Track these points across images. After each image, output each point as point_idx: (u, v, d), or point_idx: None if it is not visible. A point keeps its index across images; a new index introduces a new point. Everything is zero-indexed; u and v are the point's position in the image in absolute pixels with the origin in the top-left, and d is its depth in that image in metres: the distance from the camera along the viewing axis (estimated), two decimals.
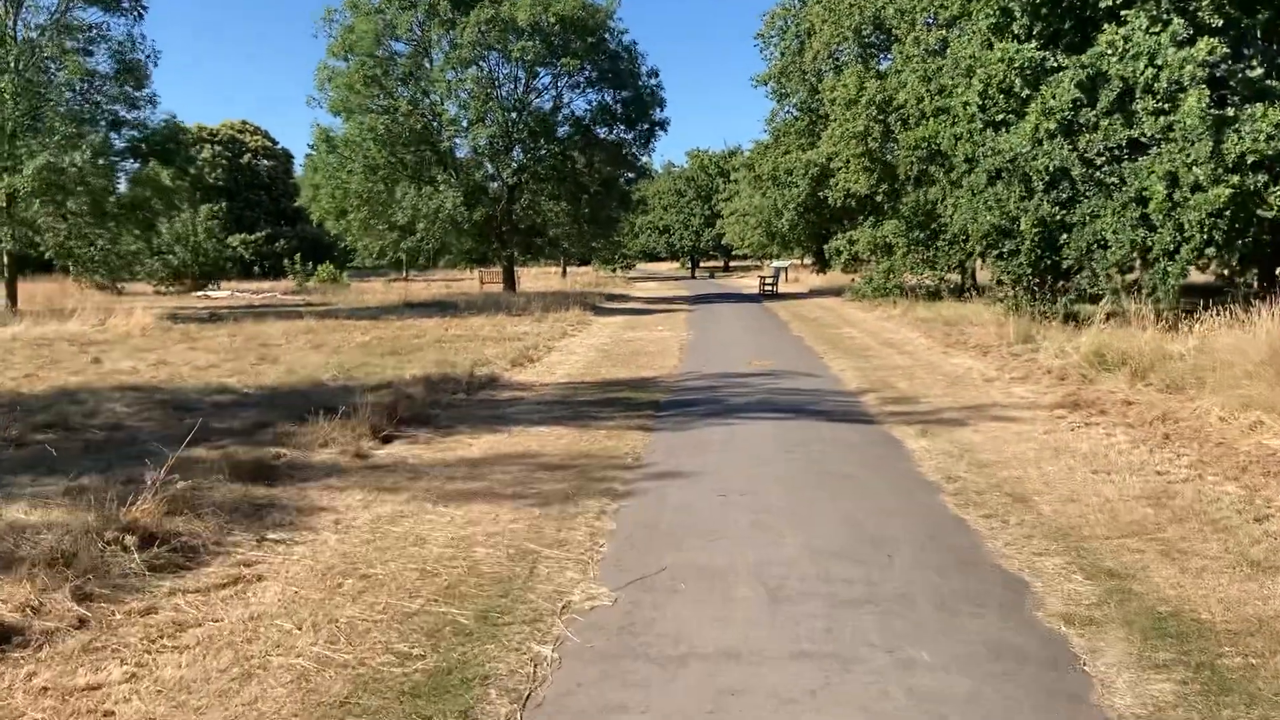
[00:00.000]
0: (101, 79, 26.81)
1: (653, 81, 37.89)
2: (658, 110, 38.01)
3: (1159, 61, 16.06)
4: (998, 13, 18.78)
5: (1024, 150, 17.49)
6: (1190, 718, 3.89)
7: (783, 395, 12.55)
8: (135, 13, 26.78)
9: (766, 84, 36.88)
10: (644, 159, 41.86)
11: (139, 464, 7.27)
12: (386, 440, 9.46)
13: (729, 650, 4.53)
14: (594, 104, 37.32)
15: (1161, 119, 16.01)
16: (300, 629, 4.77)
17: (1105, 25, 17.19)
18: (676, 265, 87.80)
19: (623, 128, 37.88)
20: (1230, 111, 15.61)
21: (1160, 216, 15.75)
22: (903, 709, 3.97)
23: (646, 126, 37.95)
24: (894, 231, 28.33)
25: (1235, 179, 15.02)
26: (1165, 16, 16.23)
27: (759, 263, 62.68)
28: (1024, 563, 5.73)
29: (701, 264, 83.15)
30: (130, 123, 27.40)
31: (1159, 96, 16.10)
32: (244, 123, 73.33)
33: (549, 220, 39.96)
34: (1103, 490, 7.30)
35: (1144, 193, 15.99)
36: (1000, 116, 18.54)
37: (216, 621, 4.86)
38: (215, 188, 65.32)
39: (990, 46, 19.04)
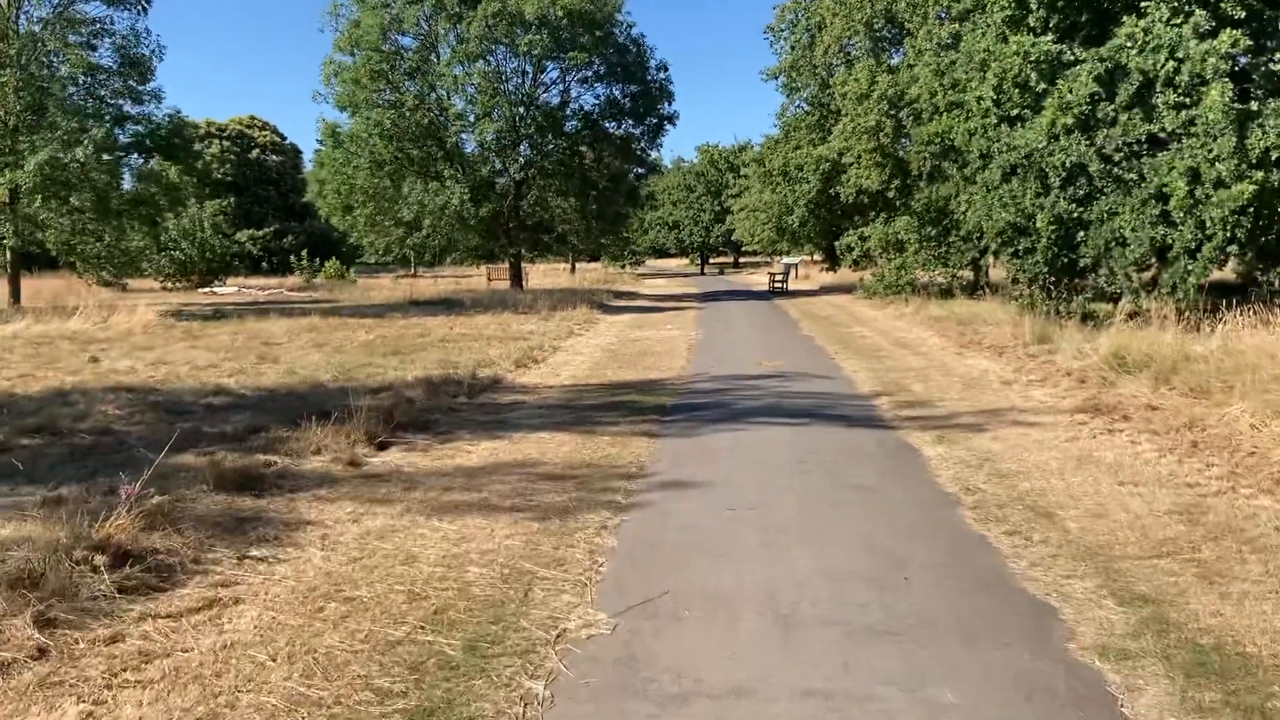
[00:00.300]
0: (105, 73, 26.54)
1: (661, 75, 37.54)
2: (666, 104, 37.65)
3: (1180, 54, 15.66)
4: (1013, 5, 18.38)
5: (1040, 146, 17.10)
6: None
7: (794, 399, 12.19)
8: (139, 7, 26.52)
9: (776, 78, 36.44)
10: (653, 154, 41.48)
11: (124, 472, 6.98)
12: (382, 447, 9.13)
13: (736, 687, 4.19)
14: (602, 98, 37.00)
15: (1183, 113, 15.61)
16: (275, 660, 4.44)
17: (1124, 17, 16.79)
18: (686, 261, 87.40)
19: (631, 122, 37.49)
20: (1254, 106, 15.20)
21: (1181, 213, 15.35)
22: None
23: (655, 121, 37.55)
24: (906, 228, 27.91)
25: (1259, 175, 14.62)
26: (1187, 8, 15.83)
27: (769, 259, 62.21)
28: (1051, 586, 5.37)
29: (711, 260, 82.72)
30: (134, 118, 27.13)
31: (1180, 90, 15.70)
32: (252, 118, 73.15)
33: (557, 216, 39.63)
34: (1131, 504, 6.94)
35: (1164, 189, 15.60)
36: (1015, 111, 18.14)
37: (186, 652, 4.52)
38: (223, 183, 65.16)
39: (1005, 40, 18.64)
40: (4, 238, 26.46)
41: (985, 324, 18.88)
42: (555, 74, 36.13)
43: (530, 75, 35.36)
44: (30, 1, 25.56)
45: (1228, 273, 22.79)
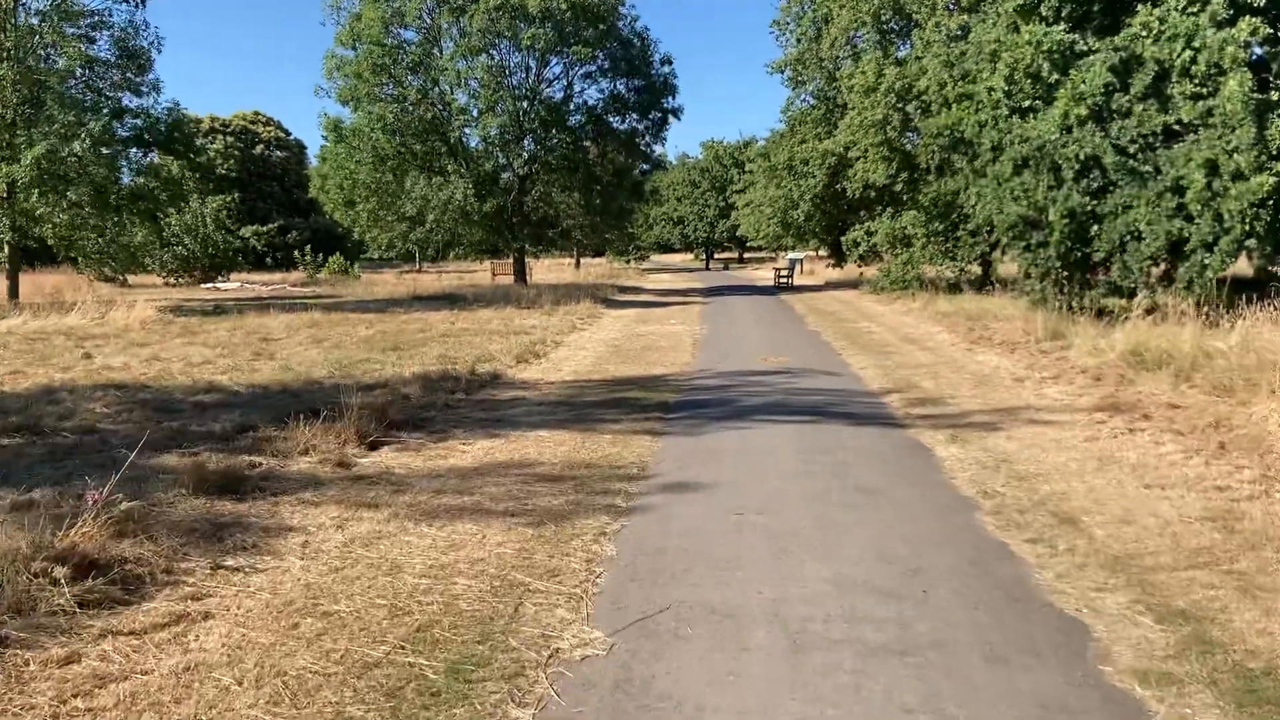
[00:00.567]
0: (103, 66, 26.21)
1: (666, 69, 37.11)
2: (671, 98, 37.23)
3: (1196, 43, 15.25)
4: None
5: (1053, 137, 16.68)
6: None
7: (801, 395, 11.82)
8: None
9: (782, 71, 36.00)
10: (657, 149, 41.04)
11: (103, 472, 6.64)
12: (374, 446, 8.77)
13: (742, 716, 3.83)
14: (606, 93, 36.57)
15: (1200, 104, 15.21)
16: (241, 684, 4.08)
17: (1139, 6, 16.38)
18: (690, 257, 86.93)
19: (635, 116, 37.06)
20: (1274, 96, 14.79)
21: (1198, 206, 14.94)
22: None
23: (659, 115, 37.14)
24: (913, 223, 27.52)
25: (1279, 166, 14.21)
26: None
27: (774, 255, 61.75)
28: (1081, 600, 5.00)
29: (716, 256, 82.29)
30: (133, 111, 26.79)
31: (1197, 80, 15.30)
32: (256, 113, 72.76)
33: (561, 211, 39.24)
34: (1159, 509, 6.57)
35: (1181, 182, 15.18)
36: (1027, 103, 17.72)
37: (145, 674, 4.17)
38: (227, 179, 64.84)
39: (1016, 29, 18.23)
40: (1, 233, 26.15)
41: (995, 319, 18.50)
42: (559, 68, 35.77)
43: (534, 70, 35.00)
44: None
45: (1242, 267, 22.37)
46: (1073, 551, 5.76)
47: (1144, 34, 15.93)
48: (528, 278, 39.12)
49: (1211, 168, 14.86)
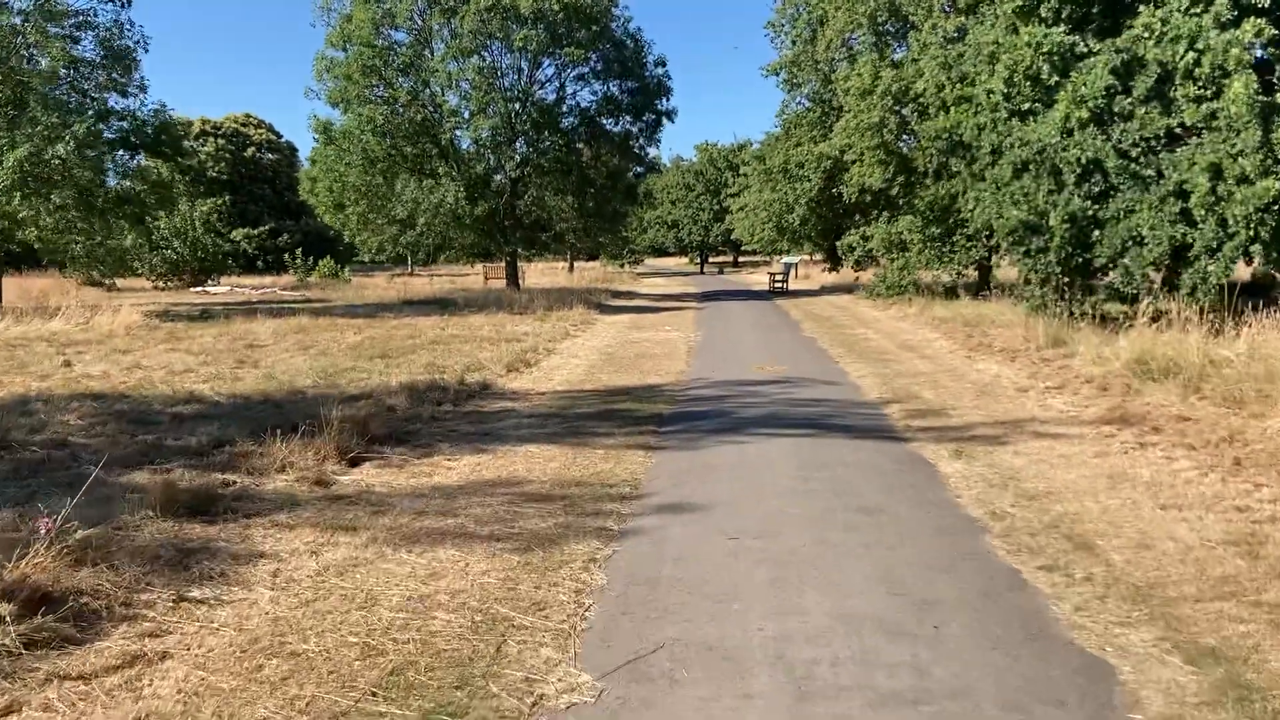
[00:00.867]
0: (88, 66, 25.79)
1: (659, 71, 36.71)
2: (665, 100, 36.83)
3: (1200, 45, 14.94)
4: None
5: (1053, 141, 16.37)
6: None
7: (799, 406, 11.49)
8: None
9: (777, 74, 35.70)
10: (651, 151, 40.65)
11: (69, 491, 6.30)
12: (355, 463, 8.41)
13: None
14: (599, 94, 36.15)
15: (1204, 106, 14.90)
16: None
17: (1141, 7, 16.08)
18: (685, 260, 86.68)
19: (629, 119, 36.67)
20: (1279, 98, 14.50)
21: (1202, 211, 14.63)
22: None
23: (653, 117, 36.75)
24: (909, 228, 27.22)
25: None
26: None
27: (769, 258, 61.45)
28: (1104, 637, 4.67)
29: (710, 259, 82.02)
30: (119, 113, 26.37)
31: (1200, 83, 14.98)
32: (247, 115, 72.33)
33: (554, 214, 38.87)
34: (1178, 532, 6.24)
35: (1184, 186, 14.88)
36: (1027, 105, 17.40)
37: None
38: (218, 181, 64.38)
39: (1015, 31, 17.92)
40: None
41: (993, 326, 18.22)
42: (551, 70, 35.36)
43: (526, 71, 34.60)
44: None
45: (1243, 273, 22.08)
46: (1091, 580, 5.44)
47: (1146, 35, 15.63)
48: (520, 282, 38.76)
49: (1216, 172, 14.55)
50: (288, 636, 4.71)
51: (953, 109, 21.16)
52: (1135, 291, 15.89)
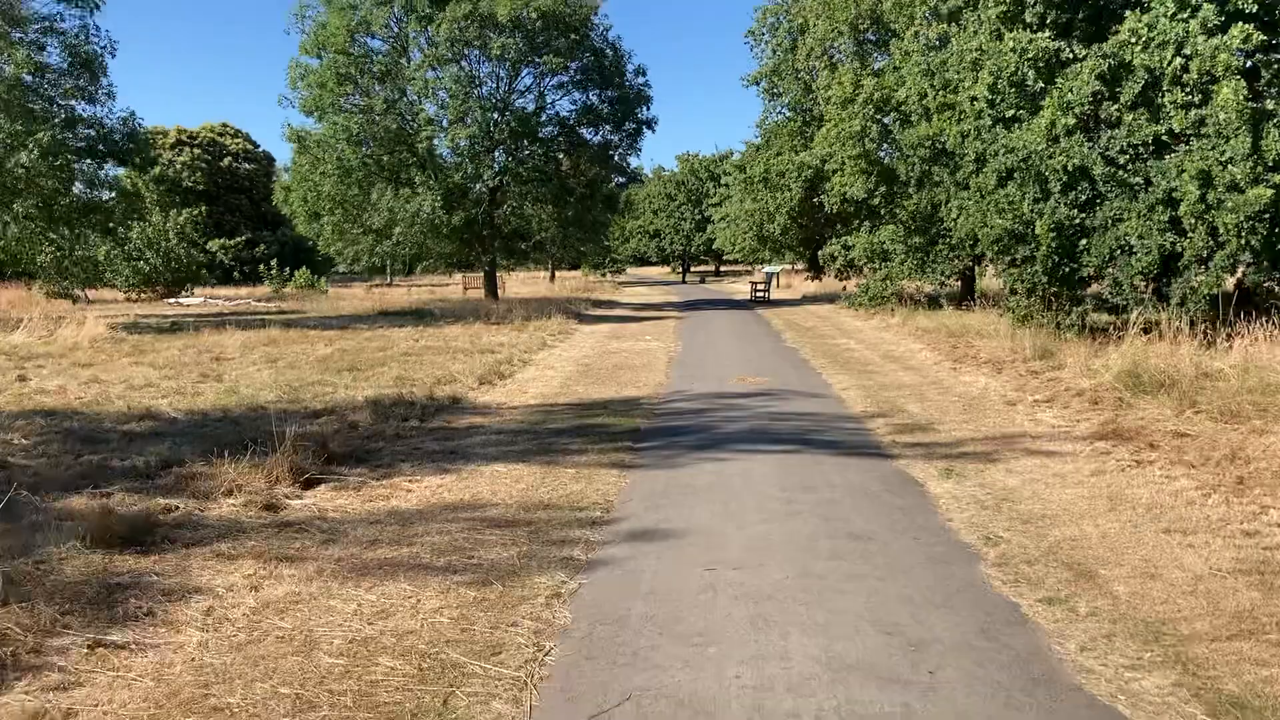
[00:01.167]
0: (54, 73, 25.15)
1: (640, 80, 36.28)
2: (645, 109, 36.38)
3: (1187, 50, 14.63)
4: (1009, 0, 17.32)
5: (1039, 148, 16.03)
6: None
7: (781, 421, 11.05)
8: (90, 4, 25.13)
9: (758, 83, 35.44)
10: (632, 160, 40.30)
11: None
12: (309, 485, 7.91)
13: None
14: (579, 104, 35.66)
15: (1192, 113, 14.59)
16: None
17: (1127, 13, 15.77)
18: (667, 270, 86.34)
19: (609, 128, 36.24)
20: (1270, 105, 14.20)
21: (1192, 219, 14.30)
22: None
23: (633, 126, 36.33)
24: (892, 238, 26.88)
25: (1278, 178, 13.59)
26: (1194, 1, 14.79)
27: (751, 268, 61.17)
28: (1115, 683, 4.24)
29: (692, 269, 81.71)
30: (85, 120, 25.71)
31: (1189, 89, 14.68)
32: (224, 125, 71.57)
33: (533, 224, 38.37)
34: (1185, 560, 5.83)
35: (1173, 194, 14.55)
36: (1011, 112, 17.09)
37: None
38: (194, 191, 63.60)
39: (999, 37, 17.59)
40: None
41: (979, 337, 17.85)
42: (530, 79, 34.90)
43: (505, 80, 34.14)
44: None
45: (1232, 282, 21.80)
46: (1095, 615, 5.01)
47: (1133, 41, 15.31)
48: (499, 292, 38.24)
49: (1205, 179, 14.22)
50: (212, 688, 4.23)
51: (936, 116, 20.84)
52: (1124, 302, 15.55)
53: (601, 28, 35.58)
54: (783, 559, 6.00)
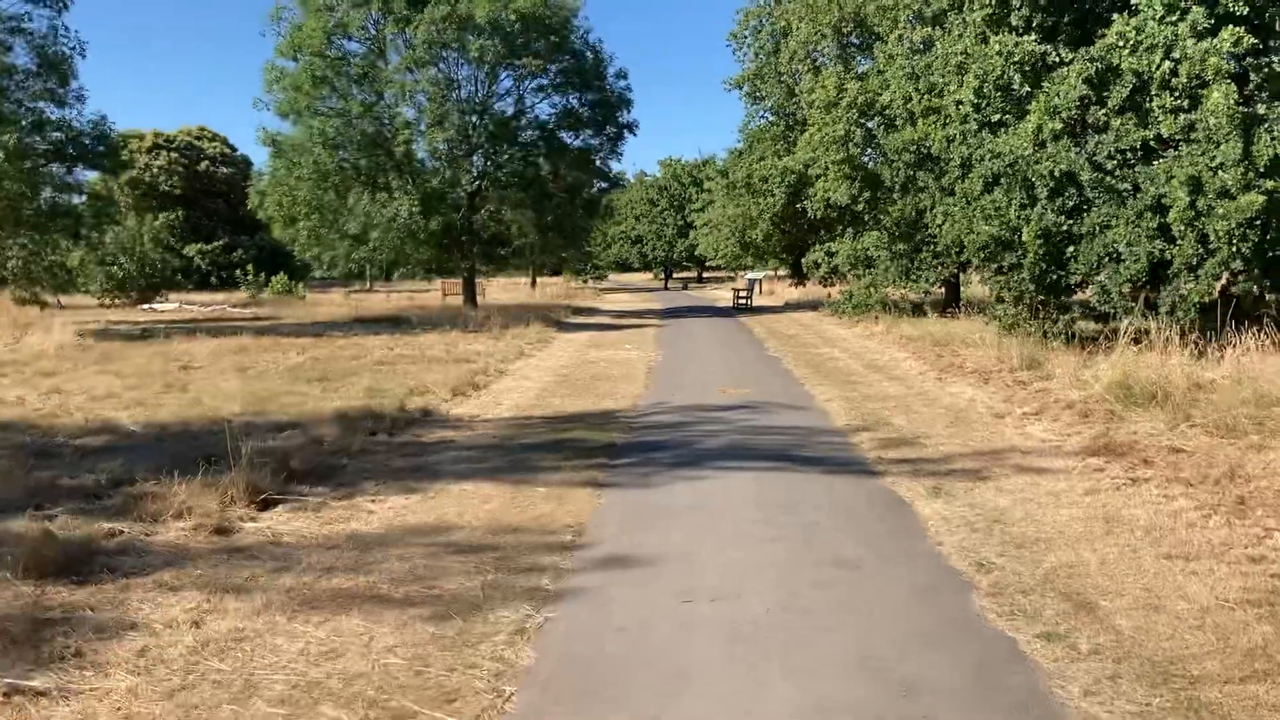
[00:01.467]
0: (21, 75, 24.62)
1: (621, 84, 35.98)
2: (626, 112, 36.10)
3: (1176, 54, 14.38)
4: (994, 3, 17.05)
5: (1025, 153, 15.74)
6: None
7: (763, 435, 10.70)
8: (59, 4, 24.63)
9: (740, 87, 35.11)
10: (613, 165, 39.90)
11: None
12: (266, 505, 7.49)
13: None
14: (559, 107, 35.32)
15: (1181, 118, 14.32)
16: None
17: (1115, 16, 15.51)
18: (650, 276, 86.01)
19: (589, 132, 35.89)
20: (1260, 109, 13.95)
21: (1182, 226, 14.03)
22: None
23: (615, 130, 35.99)
24: (875, 244, 26.60)
25: (1269, 184, 13.34)
26: (1183, 4, 14.54)
27: (733, 274, 60.91)
28: None
29: (675, 275, 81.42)
30: (54, 123, 25.20)
31: (1178, 93, 14.41)
32: (201, 128, 71.00)
33: (514, 230, 37.97)
34: (1189, 589, 5.49)
35: (1163, 200, 14.29)
36: (997, 117, 16.81)
37: None
38: (171, 195, 62.95)
39: (985, 40, 17.32)
40: None
41: (964, 345, 17.54)
42: (509, 82, 34.49)
43: (484, 83, 33.75)
44: None
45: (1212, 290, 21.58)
46: (1098, 653, 4.66)
47: (1120, 44, 15.04)
48: (479, 298, 37.81)
49: (1195, 185, 13.95)
50: None
51: (920, 121, 20.56)
52: (1112, 310, 15.27)
53: (582, 30, 35.32)
54: (764, 589, 5.63)
